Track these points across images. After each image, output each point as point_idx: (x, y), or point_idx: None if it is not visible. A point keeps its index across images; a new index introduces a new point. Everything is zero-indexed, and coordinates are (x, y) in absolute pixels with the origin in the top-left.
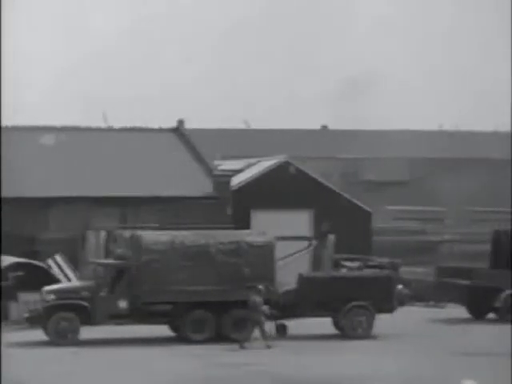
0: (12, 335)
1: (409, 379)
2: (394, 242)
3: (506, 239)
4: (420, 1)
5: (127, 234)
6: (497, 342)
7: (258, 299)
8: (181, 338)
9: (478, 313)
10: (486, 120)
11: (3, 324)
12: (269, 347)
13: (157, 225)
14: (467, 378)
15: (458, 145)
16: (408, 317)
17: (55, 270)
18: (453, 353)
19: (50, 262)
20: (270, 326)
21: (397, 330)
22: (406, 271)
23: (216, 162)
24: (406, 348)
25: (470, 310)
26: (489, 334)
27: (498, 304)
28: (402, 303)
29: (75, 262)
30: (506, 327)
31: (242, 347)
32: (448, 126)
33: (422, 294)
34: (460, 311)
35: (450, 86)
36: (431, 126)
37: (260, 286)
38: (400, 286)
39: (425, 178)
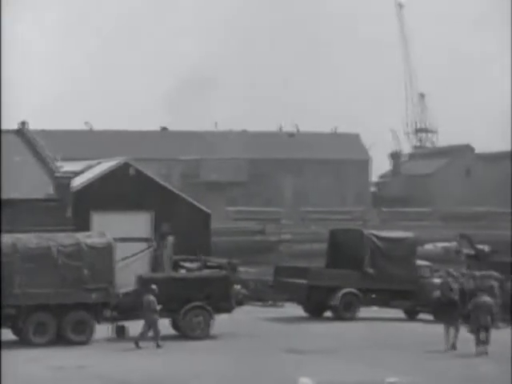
0: None
1: (244, 377)
2: (233, 243)
3: (341, 239)
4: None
5: None
6: (333, 340)
7: (151, 298)
8: (23, 342)
9: (315, 311)
10: (326, 121)
11: None
12: (159, 346)
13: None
14: (302, 375)
15: (298, 146)
16: (246, 317)
17: None
18: (289, 350)
19: None
20: (108, 328)
21: (235, 330)
22: (244, 271)
23: (58, 164)
24: (243, 347)
25: (307, 308)
26: (325, 331)
27: (333, 302)
28: (240, 303)
29: None
30: (341, 325)
31: (138, 347)
32: (288, 127)
33: (260, 294)
34: (298, 310)
35: (288, 87)
36: (272, 127)
37: (154, 286)
38: (238, 286)
39: (264, 179)
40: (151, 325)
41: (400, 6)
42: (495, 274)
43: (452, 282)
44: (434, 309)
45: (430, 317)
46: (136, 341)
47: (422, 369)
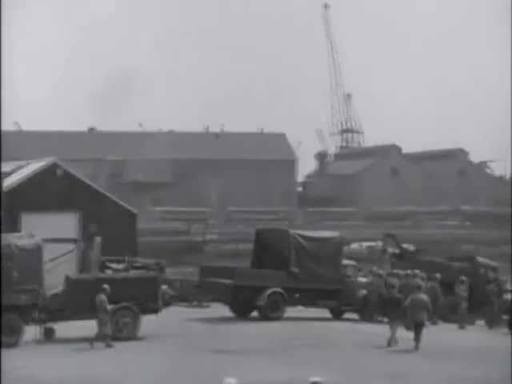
0: None
1: (170, 378)
2: (159, 243)
3: (267, 239)
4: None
5: None
6: (259, 340)
7: (103, 298)
8: None
9: (241, 311)
10: (251, 121)
11: None
12: (109, 346)
13: None
14: (227, 375)
15: (224, 146)
16: (172, 317)
17: None
18: (215, 351)
19: None
20: (36, 330)
21: (161, 331)
22: (171, 271)
23: None
24: (169, 347)
25: (233, 308)
26: (251, 331)
27: (259, 302)
28: (166, 304)
29: None
30: (267, 324)
31: (92, 346)
32: (214, 128)
33: (186, 294)
34: (224, 310)
35: (216, 87)
36: (196, 127)
37: (105, 286)
38: (165, 287)
39: (190, 179)
40: (103, 325)
41: (326, 6)
42: (420, 272)
43: (391, 279)
44: (363, 306)
45: (355, 316)
46: (91, 341)
47: (347, 367)
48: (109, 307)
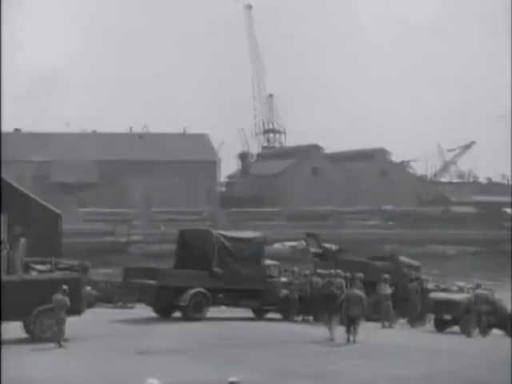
0: None
1: (93, 379)
2: (83, 244)
3: (190, 239)
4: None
5: None
6: (181, 340)
7: (60, 297)
8: None
9: (165, 312)
10: (175, 122)
11: None
12: (61, 346)
13: None
14: (150, 376)
15: (148, 147)
16: (96, 318)
17: None
18: (138, 351)
19: None
20: None
21: (85, 332)
22: (95, 272)
23: None
24: (93, 349)
25: (157, 309)
26: (174, 332)
27: (182, 303)
28: (91, 305)
29: None
30: (190, 325)
31: (60, 346)
32: (137, 129)
33: (111, 295)
34: (147, 311)
35: (139, 87)
36: (122, 128)
37: (65, 287)
38: (89, 288)
39: (115, 180)
40: (58, 324)
41: (248, 7)
42: (342, 272)
43: (315, 279)
44: (286, 306)
45: (278, 315)
46: (58, 342)
47: (269, 366)
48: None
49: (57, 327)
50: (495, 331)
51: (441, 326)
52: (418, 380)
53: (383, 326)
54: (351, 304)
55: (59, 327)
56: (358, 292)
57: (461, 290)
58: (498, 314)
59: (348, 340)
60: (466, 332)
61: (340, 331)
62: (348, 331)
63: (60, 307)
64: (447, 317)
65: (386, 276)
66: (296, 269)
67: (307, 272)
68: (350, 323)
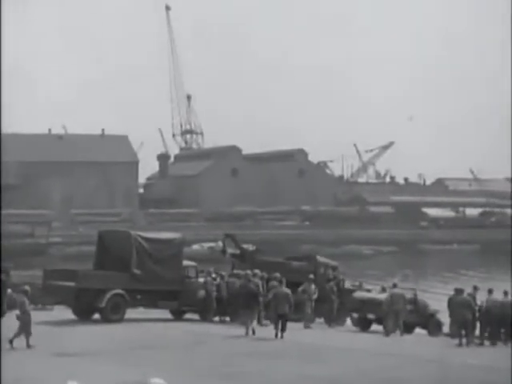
0: None
1: (7, 381)
2: (4, 246)
3: (109, 240)
4: None
5: None
6: (100, 342)
7: (23, 299)
8: None
9: (84, 314)
10: (93, 123)
11: None
12: (29, 347)
13: None
14: (69, 378)
15: (67, 148)
16: (15, 320)
17: None
18: (56, 354)
19: None
20: None
21: (3, 334)
22: (16, 275)
23: None
24: (8, 351)
25: (76, 311)
26: (92, 334)
27: (101, 305)
28: (11, 307)
29: None
30: (108, 327)
31: (29, 346)
32: (57, 130)
33: (31, 298)
34: (67, 313)
35: (58, 88)
36: (41, 129)
37: (26, 287)
38: (9, 290)
39: (35, 181)
40: (23, 325)
41: (167, 8)
42: (260, 272)
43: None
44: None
45: (196, 316)
46: (11, 340)
47: (185, 367)
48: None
49: (20, 328)
50: (418, 330)
51: (365, 325)
52: (327, 379)
53: (306, 327)
54: (279, 301)
55: (27, 328)
56: (285, 290)
57: (383, 289)
58: (420, 314)
59: (276, 336)
60: (385, 331)
61: (267, 330)
62: (276, 328)
63: (21, 309)
64: (371, 316)
65: (312, 276)
66: (212, 269)
67: (223, 273)
68: (278, 320)
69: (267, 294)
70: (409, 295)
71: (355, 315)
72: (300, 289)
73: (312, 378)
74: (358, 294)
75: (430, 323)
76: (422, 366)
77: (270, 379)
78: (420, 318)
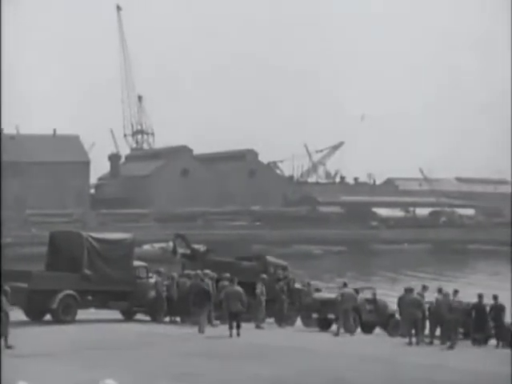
0: None
1: None
2: None
3: (61, 241)
4: None
5: None
6: (51, 343)
7: (2, 299)
8: None
9: (36, 315)
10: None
11: None
12: (9, 348)
13: None
14: (20, 379)
15: (18, 148)
16: None
17: None
18: (8, 354)
19: None
20: None
21: None
22: None
23: None
24: None
25: (28, 312)
26: (43, 335)
27: (52, 306)
28: None
29: None
30: (60, 328)
31: (10, 347)
32: (9, 130)
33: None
34: (20, 314)
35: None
36: None
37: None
38: None
39: None
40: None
41: (118, 8)
42: (211, 272)
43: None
44: (154, 307)
45: (147, 317)
46: (5, 343)
47: (136, 368)
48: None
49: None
50: (378, 331)
51: (325, 325)
52: (277, 379)
53: (257, 327)
54: (232, 300)
55: (3, 329)
56: (237, 288)
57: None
58: (379, 314)
59: (230, 335)
60: (337, 332)
61: (219, 330)
62: (230, 327)
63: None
64: (331, 316)
65: (264, 276)
66: (162, 270)
67: (174, 273)
68: (232, 319)
69: (218, 294)
70: (368, 295)
71: (315, 316)
72: (260, 291)
73: (262, 378)
74: (318, 295)
75: (390, 323)
76: (368, 365)
77: (222, 380)
78: (380, 318)
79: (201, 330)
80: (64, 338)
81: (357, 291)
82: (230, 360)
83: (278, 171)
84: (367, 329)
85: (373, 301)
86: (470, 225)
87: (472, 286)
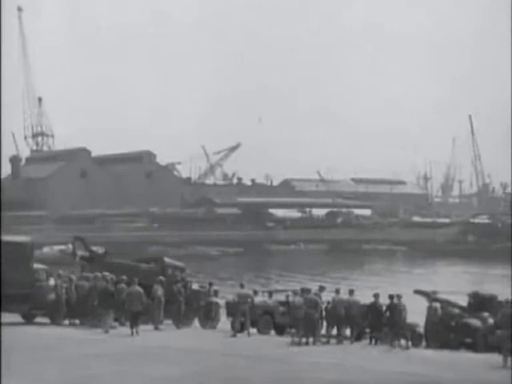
0: None
1: None
2: None
3: None
4: None
5: None
6: None
7: None
8: None
9: None
10: None
11: None
12: None
13: None
14: None
15: None
16: None
17: None
18: None
19: None
20: None
21: None
22: None
23: None
24: None
25: None
26: None
27: None
28: None
29: None
30: None
31: None
32: None
33: None
34: None
35: None
36: None
37: None
38: None
39: None
40: None
41: (19, 9)
42: (109, 275)
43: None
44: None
45: (46, 320)
46: None
47: (38, 372)
48: None
49: None
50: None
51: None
52: (175, 379)
53: (155, 328)
54: (133, 300)
55: None
56: (138, 288)
57: (295, 293)
58: (292, 316)
59: (132, 334)
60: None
61: (118, 331)
62: (132, 326)
63: None
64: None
65: (162, 278)
66: (61, 272)
67: (72, 276)
68: (133, 318)
69: (118, 297)
70: (282, 297)
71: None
72: (159, 293)
73: (159, 378)
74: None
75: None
76: (265, 365)
77: (119, 381)
78: (292, 320)
79: (105, 331)
80: None
81: (270, 294)
82: (127, 361)
83: (176, 173)
84: (279, 330)
85: (285, 303)
86: (366, 225)
87: (368, 286)
